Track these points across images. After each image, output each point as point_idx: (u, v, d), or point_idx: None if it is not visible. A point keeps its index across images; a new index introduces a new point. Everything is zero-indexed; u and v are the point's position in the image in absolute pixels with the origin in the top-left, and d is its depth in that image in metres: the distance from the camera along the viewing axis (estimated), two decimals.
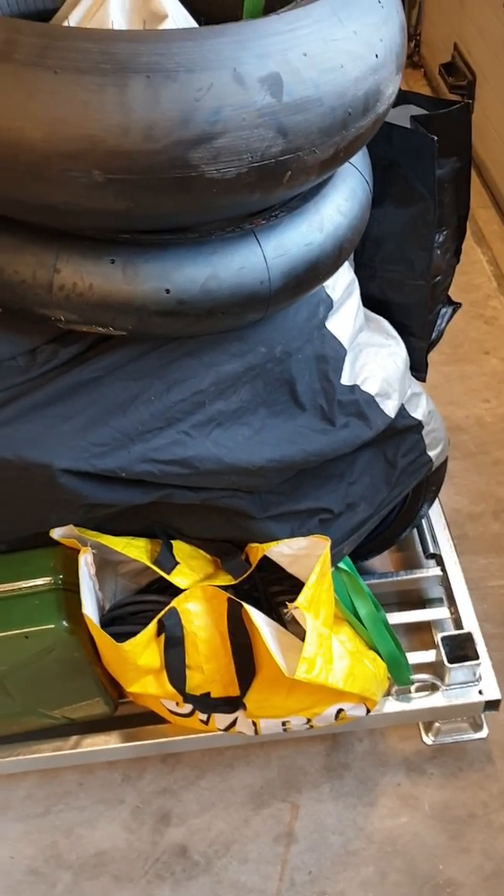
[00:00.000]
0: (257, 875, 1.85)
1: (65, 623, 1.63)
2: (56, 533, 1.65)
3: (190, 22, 1.42)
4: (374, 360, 1.72)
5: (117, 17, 1.35)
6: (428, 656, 1.97)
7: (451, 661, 1.88)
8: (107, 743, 1.93)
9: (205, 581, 1.69)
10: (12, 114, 1.10)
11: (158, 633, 1.63)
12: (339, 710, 1.71)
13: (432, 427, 1.89)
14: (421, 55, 4.41)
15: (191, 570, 1.71)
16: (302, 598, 1.60)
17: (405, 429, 1.82)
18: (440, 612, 2.12)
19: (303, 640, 1.58)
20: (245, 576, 1.70)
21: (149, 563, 1.67)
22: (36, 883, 1.86)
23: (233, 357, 1.52)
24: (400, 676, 1.86)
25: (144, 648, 1.62)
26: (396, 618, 2.05)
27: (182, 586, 1.67)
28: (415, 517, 2.08)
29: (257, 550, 1.70)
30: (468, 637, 1.93)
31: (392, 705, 1.92)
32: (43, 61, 1.09)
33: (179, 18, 1.39)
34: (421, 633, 2.18)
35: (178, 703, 1.73)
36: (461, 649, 1.90)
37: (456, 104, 1.75)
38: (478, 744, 2.02)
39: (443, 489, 2.10)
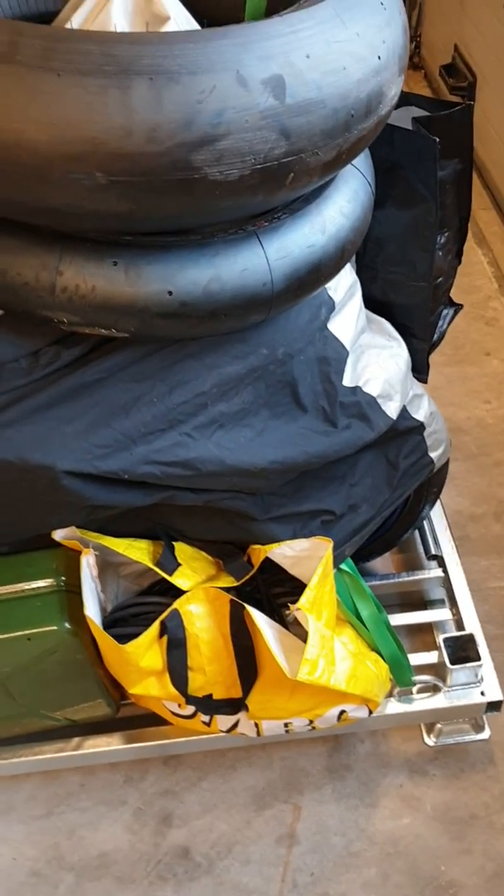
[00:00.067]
0: (259, 876, 1.85)
1: (67, 625, 1.62)
2: (58, 535, 1.65)
3: (192, 24, 1.42)
4: (375, 362, 1.73)
5: (120, 19, 1.35)
6: (430, 658, 1.97)
7: (452, 663, 1.88)
8: (109, 744, 1.93)
9: (207, 583, 1.69)
10: (15, 116, 1.10)
11: (161, 635, 1.63)
12: (342, 712, 1.71)
13: (434, 428, 1.89)
14: (421, 56, 4.41)
15: (193, 572, 1.71)
16: (304, 600, 1.60)
17: (407, 430, 1.82)
18: (442, 614, 2.12)
19: (305, 641, 1.58)
20: (247, 577, 1.70)
21: (151, 565, 1.67)
22: (38, 884, 1.86)
23: (235, 359, 1.52)
24: (402, 678, 1.86)
25: (147, 650, 1.62)
26: (398, 619, 2.05)
27: (184, 588, 1.67)
28: (416, 518, 2.08)
29: (259, 552, 1.70)
30: (470, 638, 1.93)
31: (394, 707, 1.92)
32: (46, 63, 1.09)
33: (182, 20, 1.39)
34: (423, 635, 2.18)
35: (180, 705, 1.72)
36: (463, 650, 1.90)
37: (458, 106, 1.75)
38: (479, 745, 2.02)
39: (444, 490, 2.10)
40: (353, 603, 1.80)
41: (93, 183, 1.13)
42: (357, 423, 1.67)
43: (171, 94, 1.10)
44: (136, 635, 1.61)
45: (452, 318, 2.05)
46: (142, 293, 1.31)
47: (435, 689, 1.92)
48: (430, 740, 2.03)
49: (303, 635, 1.61)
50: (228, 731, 1.77)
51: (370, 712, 1.75)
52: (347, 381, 1.66)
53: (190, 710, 1.73)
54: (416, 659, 1.94)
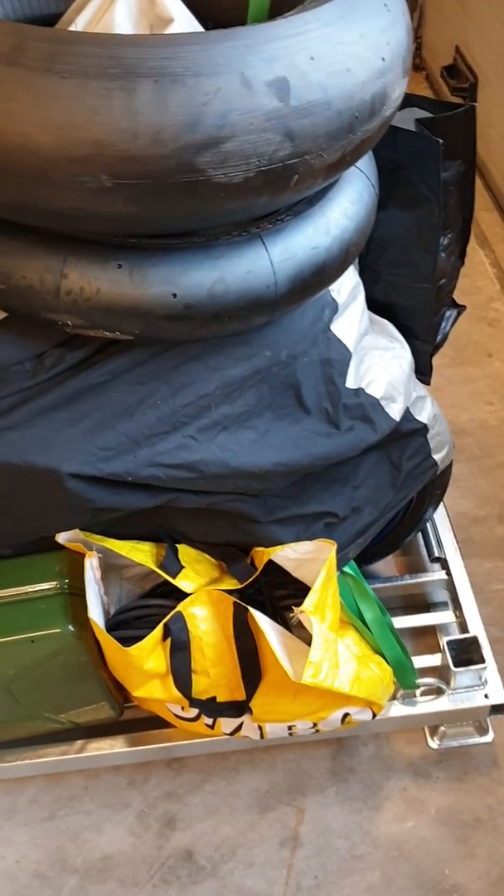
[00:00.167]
0: (263, 879, 1.85)
1: (71, 627, 1.62)
2: (62, 537, 1.65)
3: (196, 26, 1.42)
4: (378, 364, 1.72)
5: (123, 21, 1.35)
6: (433, 660, 1.97)
7: (456, 665, 1.88)
8: (112, 747, 1.92)
9: (210, 585, 1.69)
10: (20, 119, 1.10)
11: (164, 638, 1.63)
12: (345, 715, 1.71)
13: (437, 430, 1.89)
14: (422, 57, 4.41)
15: (196, 574, 1.71)
16: (308, 603, 1.59)
17: (410, 432, 1.82)
18: (445, 616, 2.12)
19: (308, 644, 1.58)
20: (251, 580, 1.70)
21: (154, 568, 1.67)
22: (42, 887, 1.86)
23: (238, 361, 1.52)
24: (405, 680, 1.86)
25: (150, 653, 1.62)
26: (402, 622, 2.05)
27: (187, 590, 1.67)
28: (420, 521, 2.08)
29: (263, 554, 1.69)
30: (474, 641, 1.92)
31: (397, 709, 1.91)
32: (51, 66, 1.09)
33: (185, 23, 1.39)
34: (426, 637, 2.17)
35: (183, 708, 1.72)
36: (467, 653, 1.90)
37: (460, 107, 1.75)
38: (483, 748, 2.02)
39: (447, 492, 2.09)
40: (356, 605, 1.79)
41: (97, 185, 1.13)
42: (360, 425, 1.67)
43: (176, 97, 1.09)
44: (139, 638, 1.61)
45: (455, 319, 2.05)
46: (146, 295, 1.30)
47: (438, 692, 1.92)
48: (433, 743, 2.02)
49: (306, 638, 1.61)
50: (232, 733, 1.76)
51: (374, 715, 1.75)
52: (350, 382, 1.66)
53: (193, 712, 1.73)
54: (419, 662, 1.94)
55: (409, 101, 1.77)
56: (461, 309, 2.07)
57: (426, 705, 1.92)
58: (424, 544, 2.25)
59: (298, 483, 1.69)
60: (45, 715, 1.80)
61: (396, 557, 2.32)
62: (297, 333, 1.57)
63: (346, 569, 1.82)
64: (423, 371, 1.92)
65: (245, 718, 1.72)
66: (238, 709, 1.70)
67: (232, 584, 1.69)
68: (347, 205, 1.48)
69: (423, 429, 1.84)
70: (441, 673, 1.94)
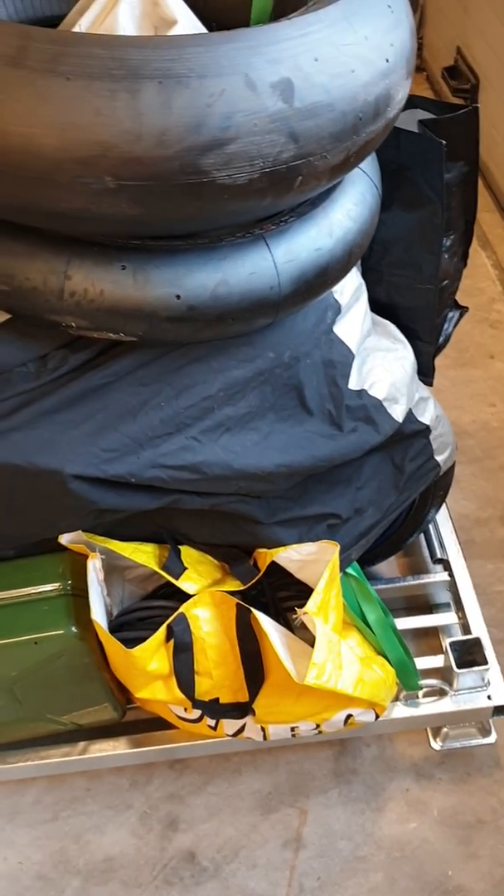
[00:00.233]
0: (266, 881, 1.85)
1: (74, 629, 1.62)
2: (65, 538, 1.65)
3: (199, 28, 1.42)
4: (381, 365, 1.72)
5: (127, 23, 1.35)
6: (436, 661, 1.97)
7: (459, 667, 1.87)
8: (115, 749, 1.92)
9: (213, 587, 1.69)
10: (24, 120, 1.10)
11: (167, 639, 1.63)
12: (349, 716, 1.71)
13: (440, 432, 1.89)
14: (423, 58, 4.41)
15: (199, 576, 1.71)
16: (311, 604, 1.59)
17: (413, 433, 1.82)
18: (448, 618, 2.12)
19: (311, 645, 1.58)
20: (253, 581, 1.70)
21: (157, 569, 1.67)
22: (45, 888, 1.86)
23: (241, 362, 1.51)
24: (408, 682, 1.86)
25: (153, 654, 1.62)
26: (404, 623, 2.05)
27: (190, 592, 1.66)
28: (422, 522, 2.08)
29: (266, 556, 1.69)
30: (476, 642, 1.92)
31: (400, 710, 1.91)
32: (55, 68, 1.09)
33: (189, 24, 1.39)
34: (429, 639, 2.18)
35: (186, 709, 1.72)
36: (469, 654, 1.90)
37: (463, 108, 1.75)
38: (486, 749, 2.02)
39: (449, 494, 2.09)
40: (359, 607, 1.79)
41: (101, 187, 1.13)
42: (363, 427, 1.67)
43: (181, 98, 1.09)
44: (142, 639, 1.61)
45: (458, 320, 2.05)
46: (150, 297, 1.30)
47: (441, 693, 1.92)
48: (436, 744, 2.02)
49: (309, 639, 1.61)
50: (235, 734, 1.76)
51: (377, 716, 1.75)
52: (353, 384, 1.66)
53: (196, 713, 1.73)
54: (422, 663, 1.94)
55: (411, 102, 1.76)
56: (463, 310, 2.07)
57: (429, 707, 1.92)
58: (427, 546, 2.25)
59: (301, 484, 1.68)
60: (47, 716, 1.80)
61: (399, 559, 2.32)
62: (300, 335, 1.57)
63: (349, 570, 1.82)
64: (425, 372, 1.92)
65: (248, 720, 1.72)
66: (241, 710, 1.70)
67: (235, 585, 1.69)
68: (351, 206, 1.48)
69: (426, 430, 1.84)
70: (444, 674, 1.94)
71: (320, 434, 1.62)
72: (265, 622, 1.60)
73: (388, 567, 2.29)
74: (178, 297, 1.31)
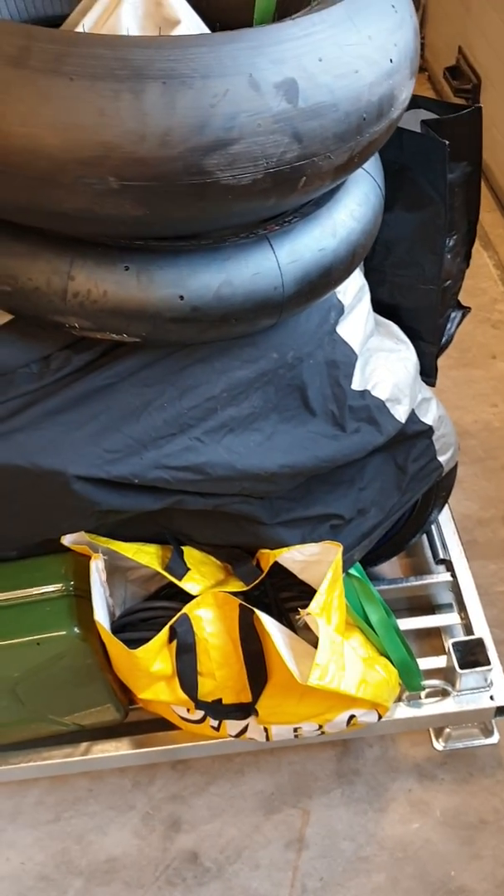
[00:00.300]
0: (269, 881, 1.85)
1: (76, 629, 1.62)
2: (67, 539, 1.65)
3: (202, 28, 1.42)
4: (384, 365, 1.72)
5: (130, 23, 1.35)
6: (439, 662, 1.97)
7: (462, 667, 1.87)
8: (117, 749, 1.92)
9: (216, 587, 1.69)
10: (28, 120, 1.09)
11: (170, 640, 1.63)
12: (351, 717, 1.71)
13: (443, 432, 1.88)
14: (424, 58, 4.40)
15: (202, 577, 1.71)
16: (314, 605, 1.59)
17: (415, 434, 1.82)
18: (450, 618, 2.12)
19: (314, 646, 1.58)
20: (256, 582, 1.70)
21: (160, 570, 1.67)
22: (47, 889, 1.86)
23: (245, 363, 1.51)
24: (411, 682, 1.86)
25: (156, 655, 1.62)
26: (407, 623, 2.05)
27: (193, 592, 1.66)
28: (425, 523, 2.08)
29: (269, 556, 1.69)
30: (479, 643, 1.92)
31: (403, 711, 1.91)
32: (59, 68, 1.09)
33: (192, 24, 1.39)
34: (431, 639, 2.18)
35: (189, 710, 1.72)
36: (472, 655, 1.90)
37: (467, 108, 1.75)
38: (488, 749, 2.02)
39: (452, 494, 2.09)
40: (362, 607, 1.79)
41: (105, 187, 1.13)
42: (366, 427, 1.66)
43: (184, 99, 1.09)
44: (145, 640, 1.61)
45: (461, 321, 2.05)
46: (153, 298, 1.30)
47: (444, 694, 1.92)
48: (438, 745, 2.02)
49: (312, 640, 1.61)
50: (237, 735, 1.76)
51: (380, 717, 1.75)
52: (356, 384, 1.65)
53: (199, 714, 1.73)
54: (425, 663, 1.94)
55: (414, 102, 1.75)
56: (466, 311, 2.06)
57: (431, 707, 1.92)
58: (429, 546, 2.25)
59: (304, 485, 1.68)
60: (49, 717, 1.80)
61: (401, 559, 2.32)
62: (303, 335, 1.57)
63: (352, 570, 1.82)
64: (428, 373, 1.92)
65: (251, 720, 1.72)
66: (244, 711, 1.70)
67: (238, 586, 1.69)
68: (354, 206, 1.48)
69: (429, 431, 1.84)
70: (446, 675, 1.94)
71: (323, 435, 1.62)
72: (268, 623, 1.60)
73: (390, 568, 2.29)
74: (181, 297, 1.31)
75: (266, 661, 1.66)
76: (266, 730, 1.74)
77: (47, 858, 1.90)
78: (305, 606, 1.60)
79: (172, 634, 1.62)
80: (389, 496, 1.83)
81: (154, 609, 1.77)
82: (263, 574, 1.70)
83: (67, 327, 1.36)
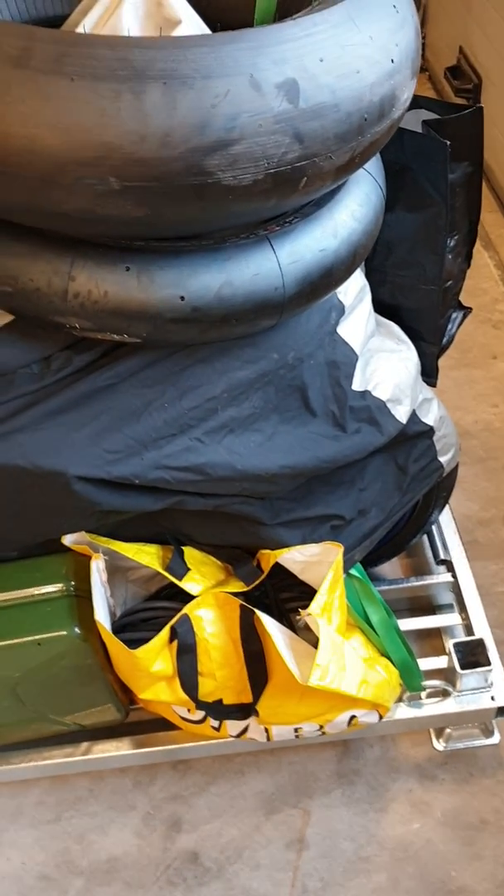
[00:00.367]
0: (269, 882, 1.85)
1: (77, 630, 1.62)
2: (68, 539, 1.65)
3: (203, 28, 1.42)
4: (385, 366, 1.72)
5: (131, 23, 1.35)
6: (439, 662, 1.97)
7: (462, 668, 1.87)
8: (118, 749, 1.92)
9: (216, 587, 1.69)
10: (29, 121, 1.09)
11: (171, 640, 1.63)
12: (352, 717, 1.71)
13: (443, 433, 1.88)
14: (425, 58, 4.40)
15: (202, 577, 1.71)
16: (315, 605, 1.59)
17: (416, 434, 1.82)
18: (451, 619, 2.12)
19: (314, 646, 1.58)
20: (257, 582, 1.70)
21: (160, 570, 1.67)
22: (48, 889, 1.86)
23: (245, 364, 1.51)
24: (412, 683, 1.86)
25: (157, 655, 1.62)
26: (407, 624, 2.05)
27: (193, 593, 1.66)
28: (425, 523, 2.08)
29: (269, 557, 1.69)
30: (480, 643, 1.92)
31: (404, 711, 1.91)
32: (59, 68, 1.09)
33: (193, 24, 1.39)
34: (432, 639, 2.17)
35: (189, 710, 1.72)
36: (473, 655, 1.90)
37: (468, 108, 1.75)
38: (489, 750, 2.02)
39: (452, 494, 2.09)
40: (362, 608, 1.79)
41: (106, 188, 1.13)
42: (367, 428, 1.66)
43: (185, 99, 1.09)
44: (145, 640, 1.61)
45: (461, 321, 2.05)
46: (154, 298, 1.30)
47: (445, 694, 1.92)
48: (439, 745, 2.02)
49: (312, 641, 1.61)
50: (238, 735, 1.76)
51: (380, 717, 1.74)
52: (357, 385, 1.65)
53: (199, 714, 1.73)
54: (425, 664, 1.94)
55: (415, 102, 1.75)
56: (467, 311, 2.06)
57: (432, 707, 1.92)
58: (430, 547, 2.25)
59: (305, 486, 1.68)
60: (50, 717, 1.80)
61: (402, 560, 2.32)
62: (304, 336, 1.56)
63: (353, 571, 1.82)
64: (429, 373, 1.92)
65: (251, 721, 1.72)
66: (244, 711, 1.70)
67: (238, 586, 1.69)
68: (355, 207, 1.47)
69: (430, 431, 1.83)
70: (447, 675, 1.94)
71: (324, 435, 1.62)
72: (269, 623, 1.60)
73: (391, 568, 2.29)
74: (182, 298, 1.31)
75: (267, 662, 1.66)
76: (267, 730, 1.74)
77: (48, 858, 1.90)
78: (306, 607, 1.60)
79: (173, 635, 1.62)
80: (390, 497, 1.83)
81: (155, 609, 1.77)
82: (264, 574, 1.70)
83: (68, 328, 1.36)
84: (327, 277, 1.44)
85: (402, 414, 1.71)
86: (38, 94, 1.09)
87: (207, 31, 1.43)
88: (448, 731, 2.02)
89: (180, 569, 1.69)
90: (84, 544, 1.66)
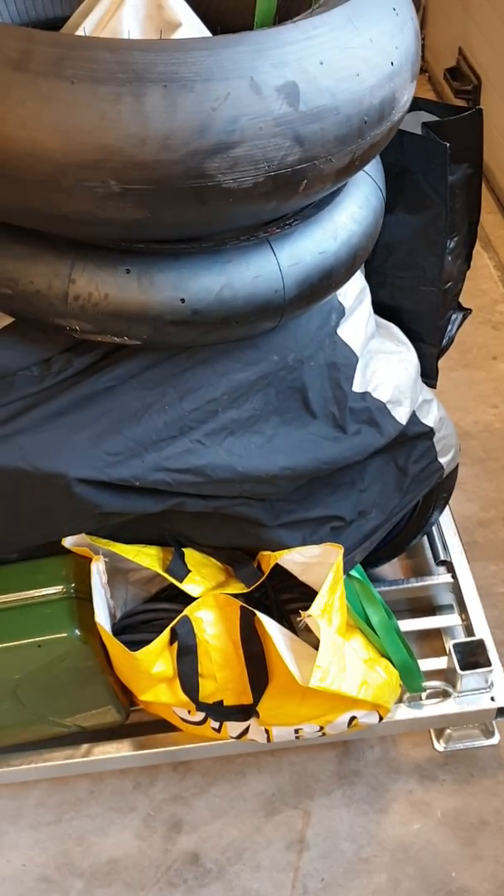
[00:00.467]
0: (270, 882, 1.85)
1: (77, 632, 1.62)
2: (68, 541, 1.65)
3: (203, 30, 1.42)
4: (385, 367, 1.72)
5: (132, 25, 1.35)
6: (440, 663, 1.97)
7: (462, 668, 1.87)
8: (118, 751, 1.92)
9: (217, 589, 1.69)
10: (29, 124, 1.10)
11: (171, 642, 1.63)
12: (352, 718, 1.71)
13: (443, 434, 1.88)
14: (425, 59, 4.39)
15: (203, 578, 1.71)
16: (315, 607, 1.59)
17: (416, 436, 1.82)
18: (451, 619, 2.12)
19: (315, 648, 1.58)
20: (257, 584, 1.70)
21: (161, 572, 1.67)
22: (48, 891, 1.86)
23: (245, 365, 1.51)
24: (412, 684, 1.86)
25: (157, 657, 1.62)
26: (408, 625, 2.05)
27: (194, 594, 1.66)
28: (425, 524, 2.08)
29: (269, 558, 1.69)
30: (480, 644, 1.92)
31: (404, 712, 1.91)
32: (59, 71, 1.09)
33: (193, 27, 1.39)
34: (432, 640, 2.17)
35: (190, 712, 1.72)
36: (473, 656, 1.90)
37: (467, 110, 1.75)
38: (489, 750, 2.02)
39: (452, 495, 2.09)
40: (363, 609, 1.79)
41: (106, 191, 1.13)
42: (367, 429, 1.66)
43: (186, 102, 1.09)
44: (146, 642, 1.61)
45: (461, 322, 2.05)
46: (154, 301, 1.30)
47: (445, 695, 1.92)
48: (439, 746, 2.02)
49: (313, 642, 1.61)
50: (238, 737, 1.77)
51: (381, 718, 1.75)
52: (357, 386, 1.66)
53: (200, 716, 1.73)
54: (425, 665, 1.94)
55: (415, 104, 1.76)
56: (467, 312, 2.07)
57: (432, 708, 1.92)
58: (430, 547, 2.25)
59: (305, 487, 1.68)
60: (51, 719, 1.80)
61: (402, 560, 2.32)
62: (304, 338, 1.57)
63: (353, 572, 1.82)
64: (429, 374, 1.92)
65: (252, 722, 1.73)
66: (245, 712, 1.70)
67: (238, 587, 1.69)
68: (355, 209, 1.48)
69: (430, 432, 1.84)
70: (447, 676, 1.94)
71: (324, 437, 1.62)
72: (269, 625, 1.60)
73: (391, 569, 2.29)
74: (182, 300, 1.31)
75: (267, 663, 1.66)
76: (267, 731, 1.74)
77: (48, 860, 1.91)
78: (306, 608, 1.60)
79: (173, 636, 1.62)
80: (390, 498, 1.83)
81: (155, 611, 1.77)
82: (264, 576, 1.70)
83: (68, 330, 1.36)
84: (327, 279, 1.44)
85: (402, 415, 1.71)
86: (39, 97, 1.09)
87: (208, 33, 1.43)
88: (448, 731, 2.02)
89: (181, 570, 1.69)
90: (84, 546, 1.66)
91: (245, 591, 1.68)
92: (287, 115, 1.14)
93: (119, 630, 1.70)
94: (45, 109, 1.09)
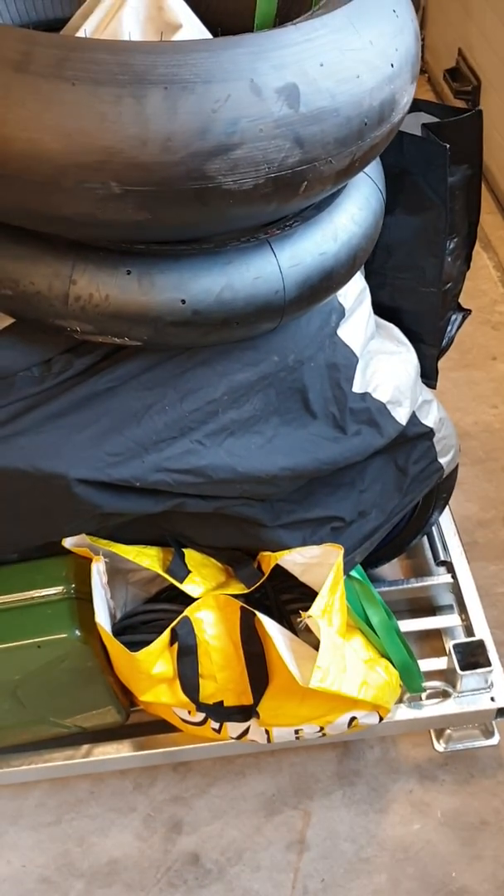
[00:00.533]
0: (270, 883, 1.85)
1: (77, 632, 1.63)
2: (68, 542, 1.65)
3: (204, 32, 1.42)
4: (385, 368, 1.72)
5: (132, 26, 1.35)
6: (439, 664, 1.97)
7: (462, 669, 1.88)
8: (118, 751, 1.92)
9: (217, 590, 1.69)
10: (30, 125, 1.10)
11: (171, 643, 1.63)
12: (352, 718, 1.71)
13: (443, 434, 1.89)
14: (424, 60, 4.40)
15: (203, 579, 1.71)
16: (315, 607, 1.60)
17: (416, 436, 1.82)
18: (451, 620, 2.12)
19: (315, 648, 1.58)
20: (257, 584, 1.70)
21: (161, 572, 1.67)
22: (48, 891, 1.86)
23: (246, 366, 1.52)
24: (412, 684, 1.86)
25: (158, 657, 1.62)
26: (408, 625, 2.05)
27: (194, 595, 1.67)
28: (425, 524, 2.08)
29: (270, 559, 1.70)
30: (480, 644, 1.93)
31: (404, 712, 1.91)
32: (60, 73, 1.09)
33: (194, 29, 1.39)
34: (432, 641, 2.18)
35: (190, 712, 1.73)
36: (473, 656, 1.90)
37: (467, 111, 1.75)
38: (489, 750, 2.02)
39: (452, 496, 2.09)
40: (363, 609, 1.79)
41: (107, 192, 1.13)
42: (367, 430, 1.67)
43: (186, 104, 1.09)
44: (146, 642, 1.61)
45: (461, 323, 2.05)
46: (155, 302, 1.30)
47: (445, 695, 1.92)
48: (439, 746, 2.03)
49: (313, 642, 1.61)
50: (239, 737, 1.77)
51: (381, 719, 1.75)
52: (357, 387, 1.66)
53: (200, 716, 1.73)
54: (425, 665, 1.94)
55: (415, 105, 1.76)
56: (467, 313, 2.07)
57: (432, 708, 1.92)
58: (430, 548, 2.25)
59: (305, 487, 1.69)
60: (51, 720, 1.80)
61: (402, 561, 2.32)
62: (304, 338, 1.57)
63: (353, 572, 1.82)
64: (428, 375, 1.92)
65: (252, 722, 1.73)
66: (245, 713, 1.71)
67: (239, 588, 1.69)
68: (355, 210, 1.48)
69: (430, 433, 1.84)
70: (447, 676, 1.94)
71: (324, 437, 1.62)
72: (269, 625, 1.60)
73: (391, 569, 2.29)
74: (183, 301, 1.31)
75: (267, 664, 1.67)
76: (267, 732, 1.74)
77: (48, 861, 1.91)
78: (306, 608, 1.60)
79: (174, 637, 1.62)
80: (390, 498, 1.83)
81: (155, 611, 1.77)
82: (264, 576, 1.70)
83: (69, 331, 1.37)
84: (327, 281, 1.44)
85: (401, 416, 1.71)
86: (39, 99, 1.09)
87: (208, 35, 1.44)
88: (448, 732, 2.02)
89: (181, 571, 1.69)
90: (84, 547, 1.67)
91: (245, 591, 1.68)
92: (287, 117, 1.14)
93: (119, 631, 1.70)
94: (46, 111, 1.10)
